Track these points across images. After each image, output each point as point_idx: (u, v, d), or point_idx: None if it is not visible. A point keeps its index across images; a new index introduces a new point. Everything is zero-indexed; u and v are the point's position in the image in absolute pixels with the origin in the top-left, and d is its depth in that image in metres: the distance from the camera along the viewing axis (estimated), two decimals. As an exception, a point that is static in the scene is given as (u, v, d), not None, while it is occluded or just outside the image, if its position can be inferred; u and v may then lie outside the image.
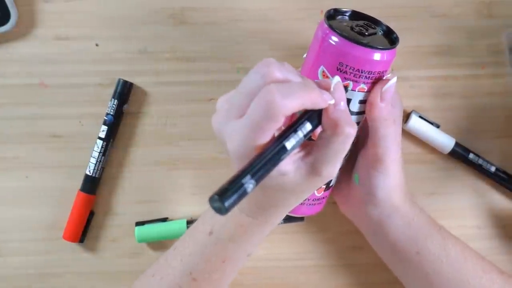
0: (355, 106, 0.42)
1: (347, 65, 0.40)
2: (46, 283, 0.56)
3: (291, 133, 0.36)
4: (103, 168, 0.54)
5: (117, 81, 0.53)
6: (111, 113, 0.52)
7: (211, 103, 0.54)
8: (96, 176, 0.53)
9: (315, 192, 0.46)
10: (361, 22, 0.43)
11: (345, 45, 0.40)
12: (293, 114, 0.38)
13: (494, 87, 0.54)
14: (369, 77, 0.41)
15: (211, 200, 0.32)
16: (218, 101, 0.39)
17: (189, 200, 0.55)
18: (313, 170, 0.38)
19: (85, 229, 0.54)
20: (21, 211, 0.55)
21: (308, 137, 0.37)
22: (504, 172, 0.54)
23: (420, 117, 0.53)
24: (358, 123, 0.44)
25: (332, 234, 0.55)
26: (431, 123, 0.53)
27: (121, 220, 0.55)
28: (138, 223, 0.54)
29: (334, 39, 0.40)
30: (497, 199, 0.55)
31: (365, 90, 0.42)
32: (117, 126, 0.53)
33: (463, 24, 0.53)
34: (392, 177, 0.45)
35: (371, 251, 0.55)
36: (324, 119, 0.38)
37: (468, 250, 0.47)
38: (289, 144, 0.35)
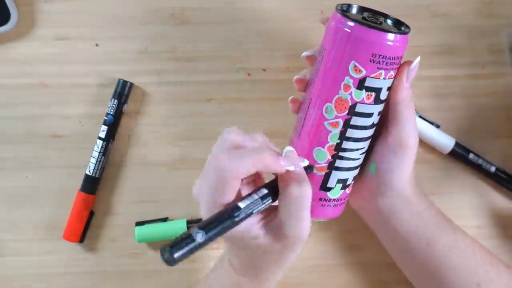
0: (384, 94, 0.42)
1: (380, 55, 0.40)
2: (46, 283, 0.56)
3: (246, 196, 0.39)
4: (103, 168, 0.54)
5: (117, 81, 0.53)
6: (111, 113, 0.52)
7: (211, 103, 0.54)
8: (96, 176, 0.53)
9: (329, 194, 0.45)
10: (370, 14, 0.43)
11: (377, 36, 0.40)
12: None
13: (494, 87, 0.54)
14: (397, 62, 0.42)
15: (162, 252, 0.33)
16: None
17: (189, 200, 0.55)
18: (279, 232, 0.40)
19: (85, 229, 0.54)
20: (21, 211, 0.55)
21: (269, 202, 0.40)
22: (504, 172, 0.54)
23: (420, 117, 0.53)
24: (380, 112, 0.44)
25: (333, 233, 0.55)
26: (431, 123, 0.53)
27: (121, 220, 0.55)
28: (138, 223, 0.54)
29: (364, 32, 0.40)
30: (497, 199, 0.55)
31: (393, 76, 0.42)
32: (117, 126, 0.53)
33: (463, 24, 0.53)
34: (409, 165, 0.45)
35: (371, 250, 0.55)
36: (278, 182, 0.40)
37: (476, 243, 0.47)
38: (242, 204, 0.38)
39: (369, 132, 0.43)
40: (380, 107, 0.43)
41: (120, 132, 0.54)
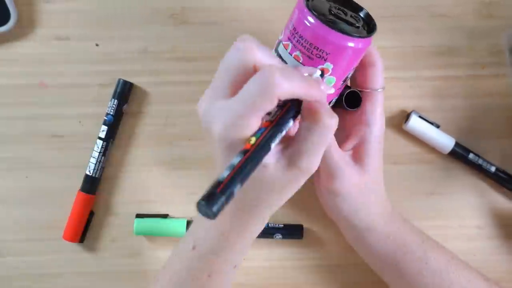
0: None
1: (295, 29, 0.40)
2: (46, 283, 0.56)
3: (275, 131, 0.35)
4: (103, 168, 0.54)
5: (117, 81, 0.53)
6: (111, 113, 0.52)
7: (211, 103, 0.54)
8: (96, 176, 0.53)
9: None
10: (340, 5, 0.42)
11: (301, 13, 0.40)
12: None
13: (494, 87, 0.54)
14: (313, 50, 0.40)
15: (199, 205, 0.31)
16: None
17: (189, 200, 0.55)
18: (292, 162, 0.37)
19: (85, 229, 0.54)
20: (21, 211, 0.55)
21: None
22: (504, 172, 0.54)
23: (420, 117, 0.53)
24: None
25: (332, 234, 0.55)
26: (431, 123, 0.53)
27: (121, 220, 0.55)
28: (139, 215, 0.54)
29: (299, 5, 0.40)
30: (497, 199, 0.55)
31: (299, 58, 0.41)
32: (117, 126, 0.53)
33: (463, 24, 0.53)
34: (355, 202, 0.46)
35: (371, 251, 0.55)
36: (304, 110, 0.37)
37: (454, 261, 0.48)
38: (272, 144, 0.35)
39: None
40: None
41: (120, 132, 0.54)
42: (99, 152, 0.53)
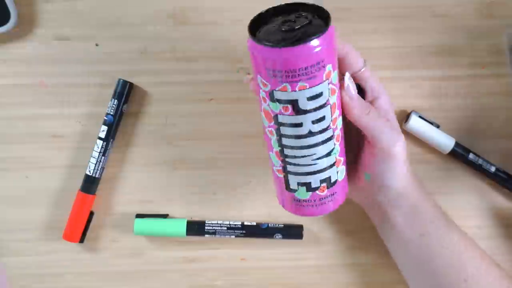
0: (305, 104, 0.40)
1: (275, 70, 0.38)
2: (46, 283, 0.56)
3: None
4: (103, 168, 0.54)
5: (117, 81, 0.53)
6: (111, 113, 0.52)
7: (211, 103, 0.54)
8: (96, 176, 0.53)
9: (296, 195, 0.45)
10: (292, 16, 0.40)
11: (268, 52, 0.38)
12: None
13: (494, 87, 0.54)
14: (308, 72, 0.39)
15: None
16: None
17: (189, 200, 0.55)
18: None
19: (85, 229, 0.54)
20: (21, 211, 0.55)
21: None
22: (504, 172, 0.54)
23: (420, 117, 0.53)
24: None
25: (332, 234, 0.55)
26: (431, 123, 0.53)
27: (121, 220, 0.55)
28: (139, 215, 0.54)
29: (255, 48, 0.39)
30: (497, 199, 0.55)
31: (315, 84, 0.39)
32: (117, 126, 0.53)
33: (463, 24, 0.53)
34: (400, 166, 0.46)
35: (372, 251, 0.55)
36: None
37: (469, 240, 0.49)
38: None
39: (312, 140, 0.42)
40: (313, 115, 0.40)
41: (120, 132, 0.54)
42: (99, 152, 0.53)
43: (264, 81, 0.40)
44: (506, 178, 0.54)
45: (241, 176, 0.55)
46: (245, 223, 0.54)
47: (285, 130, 0.41)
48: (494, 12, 0.53)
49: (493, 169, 0.53)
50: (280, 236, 0.54)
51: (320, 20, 0.40)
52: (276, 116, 0.41)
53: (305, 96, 0.40)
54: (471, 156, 0.53)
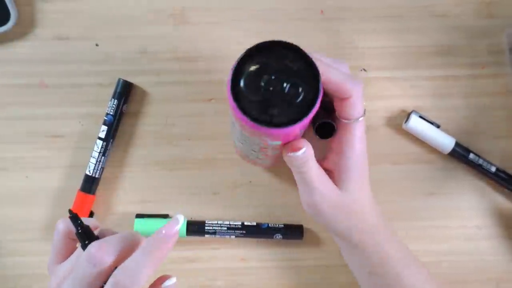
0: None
1: (253, 133, 0.38)
2: (46, 283, 0.56)
3: None
4: (103, 168, 0.54)
5: (117, 81, 0.53)
6: (111, 113, 0.52)
7: (211, 103, 0.54)
8: (96, 176, 0.53)
9: None
10: (268, 75, 0.37)
11: (249, 124, 0.36)
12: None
13: (494, 87, 0.54)
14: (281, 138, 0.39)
15: None
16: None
17: (189, 200, 0.55)
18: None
19: (85, 229, 0.54)
20: (20, 211, 0.55)
21: None
22: (504, 172, 0.54)
23: (420, 117, 0.53)
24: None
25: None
26: (431, 123, 0.53)
27: (121, 220, 0.55)
28: (139, 215, 0.54)
29: (237, 111, 0.35)
30: (497, 199, 0.55)
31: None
32: (117, 126, 0.53)
33: (463, 24, 0.53)
34: (334, 220, 0.45)
35: (371, 251, 0.55)
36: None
37: (428, 281, 0.47)
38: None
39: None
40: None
41: (120, 132, 0.54)
42: (99, 152, 0.53)
43: (237, 127, 0.39)
44: (506, 178, 0.54)
45: (241, 176, 0.55)
46: (245, 223, 0.54)
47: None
48: (494, 12, 0.53)
49: (493, 169, 0.53)
50: (280, 236, 0.54)
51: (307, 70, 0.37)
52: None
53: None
54: (471, 156, 0.53)
